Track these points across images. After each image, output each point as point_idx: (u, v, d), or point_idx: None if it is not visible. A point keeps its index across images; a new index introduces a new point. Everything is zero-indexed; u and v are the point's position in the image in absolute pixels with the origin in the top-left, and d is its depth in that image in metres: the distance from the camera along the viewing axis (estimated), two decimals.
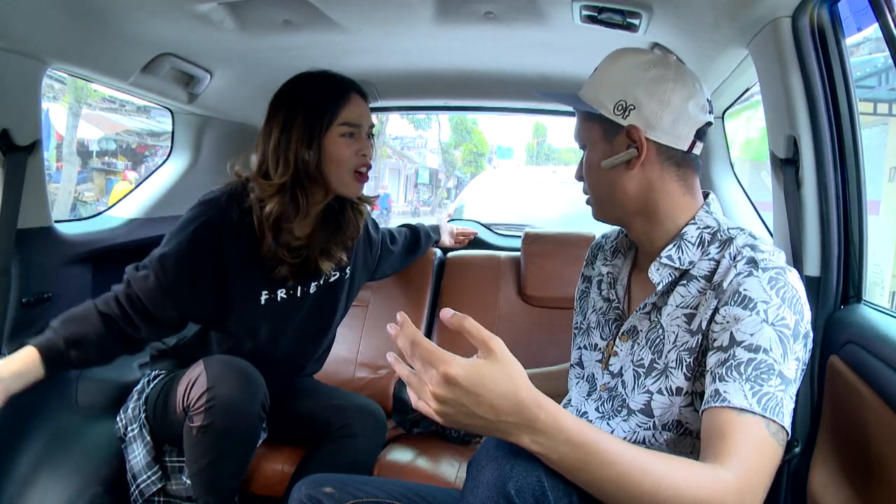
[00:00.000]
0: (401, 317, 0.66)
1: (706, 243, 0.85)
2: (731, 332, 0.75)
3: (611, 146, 0.87)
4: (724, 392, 0.72)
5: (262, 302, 1.30)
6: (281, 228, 1.23)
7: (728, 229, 0.86)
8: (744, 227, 0.87)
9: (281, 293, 1.32)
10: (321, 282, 1.38)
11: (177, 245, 1.21)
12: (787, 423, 0.71)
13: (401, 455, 1.43)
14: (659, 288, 0.86)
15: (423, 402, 0.64)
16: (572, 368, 1.01)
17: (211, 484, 1.21)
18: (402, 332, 0.65)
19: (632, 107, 0.84)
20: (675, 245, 0.86)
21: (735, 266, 0.79)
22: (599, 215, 0.94)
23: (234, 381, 1.16)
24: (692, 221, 0.86)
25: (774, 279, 0.76)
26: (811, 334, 0.78)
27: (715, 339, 0.77)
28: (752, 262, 0.79)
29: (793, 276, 0.78)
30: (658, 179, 0.86)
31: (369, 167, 1.28)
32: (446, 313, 0.66)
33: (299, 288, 1.35)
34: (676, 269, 0.86)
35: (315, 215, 1.31)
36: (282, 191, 1.21)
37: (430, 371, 0.63)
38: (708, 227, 0.86)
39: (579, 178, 0.95)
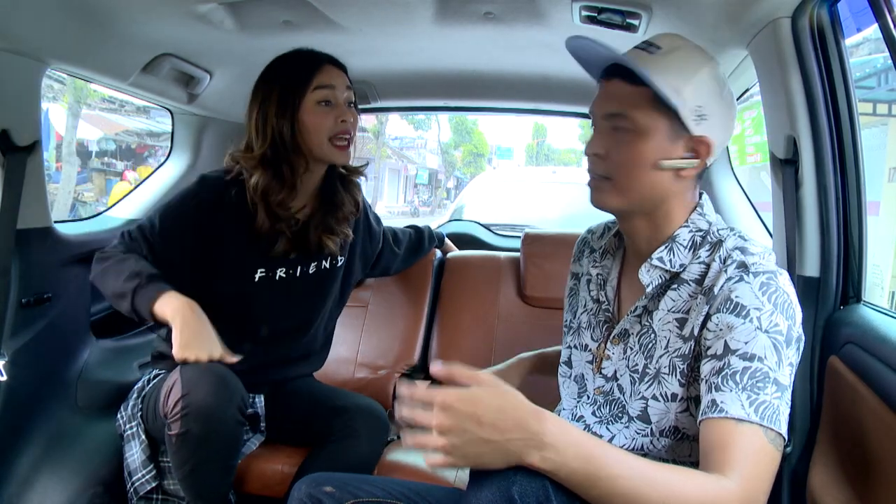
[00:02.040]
0: (405, 389, 0.69)
1: (697, 246, 0.84)
2: (725, 341, 0.75)
3: (670, 146, 0.81)
4: (722, 402, 0.72)
5: (257, 279, 1.32)
6: (269, 202, 1.26)
7: (718, 231, 0.85)
8: (734, 227, 0.86)
9: (280, 272, 1.34)
10: (321, 265, 1.40)
11: (170, 211, 1.29)
12: (784, 429, 0.72)
13: (401, 455, 1.43)
14: (648, 290, 0.85)
15: (431, 446, 0.65)
16: (561, 366, 1.00)
17: (198, 490, 1.21)
18: (402, 398, 0.68)
19: (705, 117, 0.80)
20: (666, 247, 0.85)
21: (725, 270, 0.79)
22: (607, 202, 0.86)
23: (208, 386, 1.15)
24: (685, 224, 0.86)
25: (766, 284, 0.76)
26: (803, 337, 0.78)
27: (709, 347, 0.77)
28: (743, 267, 0.78)
29: (784, 280, 0.78)
30: (686, 189, 0.85)
31: (349, 135, 1.29)
32: (436, 366, 0.68)
33: (299, 267, 1.36)
34: (667, 271, 0.85)
35: (311, 193, 1.35)
36: (263, 162, 1.26)
37: (429, 411, 0.65)
38: (700, 229, 0.85)
39: (596, 153, 0.85)
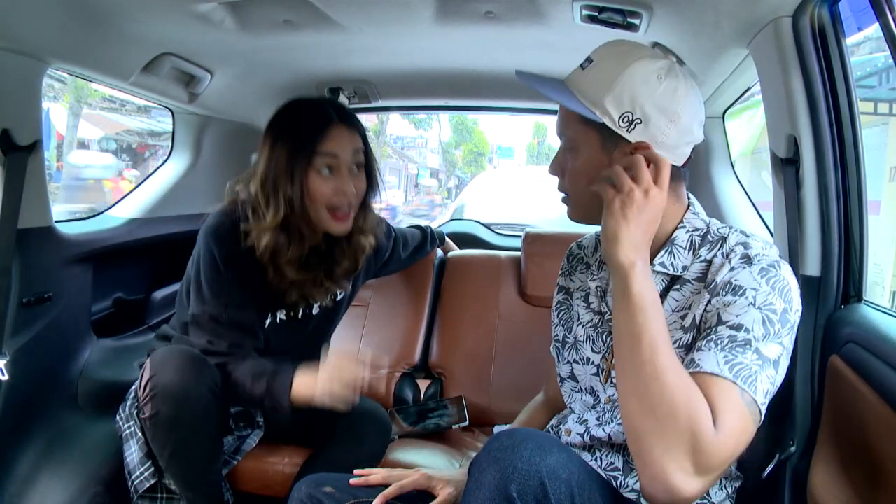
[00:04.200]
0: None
1: (697, 246, 0.84)
2: (718, 314, 0.76)
3: (608, 158, 0.81)
4: (699, 360, 0.72)
5: (267, 325, 1.32)
6: (278, 262, 1.23)
7: (718, 229, 0.85)
8: (734, 226, 0.86)
9: (280, 315, 1.33)
10: (325, 301, 1.38)
11: (208, 276, 1.23)
12: (761, 401, 0.71)
13: (402, 455, 1.43)
14: None
15: None
16: (565, 382, 0.99)
17: (184, 477, 1.21)
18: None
19: (638, 121, 0.79)
20: (666, 251, 0.85)
21: (729, 262, 0.79)
22: (579, 216, 0.89)
23: (175, 366, 1.14)
24: (681, 225, 0.85)
25: (766, 270, 0.76)
26: (798, 324, 0.77)
27: (705, 325, 0.78)
28: (746, 258, 0.79)
29: (786, 270, 0.78)
30: (668, 191, 0.83)
31: (349, 206, 1.24)
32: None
33: (301, 310, 1.35)
34: (669, 275, 0.85)
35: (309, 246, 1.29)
36: (277, 227, 1.21)
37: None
38: (697, 229, 0.85)
39: (556, 173, 0.89)
